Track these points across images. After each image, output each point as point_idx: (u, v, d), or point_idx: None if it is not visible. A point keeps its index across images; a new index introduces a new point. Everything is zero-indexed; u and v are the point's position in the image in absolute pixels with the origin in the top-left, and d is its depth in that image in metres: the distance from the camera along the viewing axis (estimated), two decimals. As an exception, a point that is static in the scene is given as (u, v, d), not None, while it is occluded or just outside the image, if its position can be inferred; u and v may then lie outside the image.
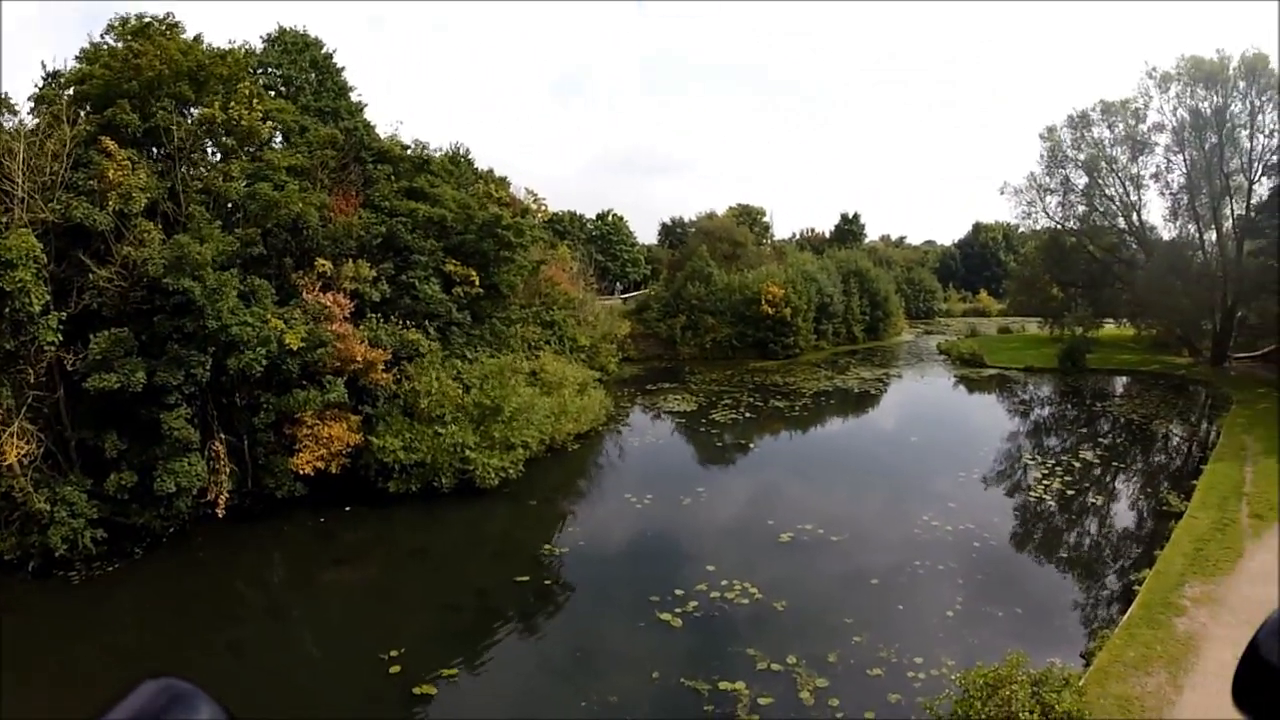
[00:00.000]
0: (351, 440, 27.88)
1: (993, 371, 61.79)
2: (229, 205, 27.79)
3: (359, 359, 27.54)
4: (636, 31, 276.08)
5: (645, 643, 18.16)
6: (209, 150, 29.75)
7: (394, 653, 17.39)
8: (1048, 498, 28.99)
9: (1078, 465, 33.31)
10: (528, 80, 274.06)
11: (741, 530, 26.13)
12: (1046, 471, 31.98)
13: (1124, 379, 57.89)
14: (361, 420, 28.72)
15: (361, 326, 28.90)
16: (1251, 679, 1.31)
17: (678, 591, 20.42)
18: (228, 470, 26.05)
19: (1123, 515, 28.74)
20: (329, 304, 27.51)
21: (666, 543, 25.45)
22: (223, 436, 26.38)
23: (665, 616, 19.16)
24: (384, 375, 28.72)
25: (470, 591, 21.75)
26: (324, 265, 28.59)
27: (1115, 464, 34.66)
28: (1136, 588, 19.79)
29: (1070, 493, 29.83)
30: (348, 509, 27.47)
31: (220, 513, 25.43)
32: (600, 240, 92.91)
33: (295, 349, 25.79)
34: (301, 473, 26.89)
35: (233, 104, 27.71)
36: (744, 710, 15.07)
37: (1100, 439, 39.30)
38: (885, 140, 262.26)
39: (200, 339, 24.36)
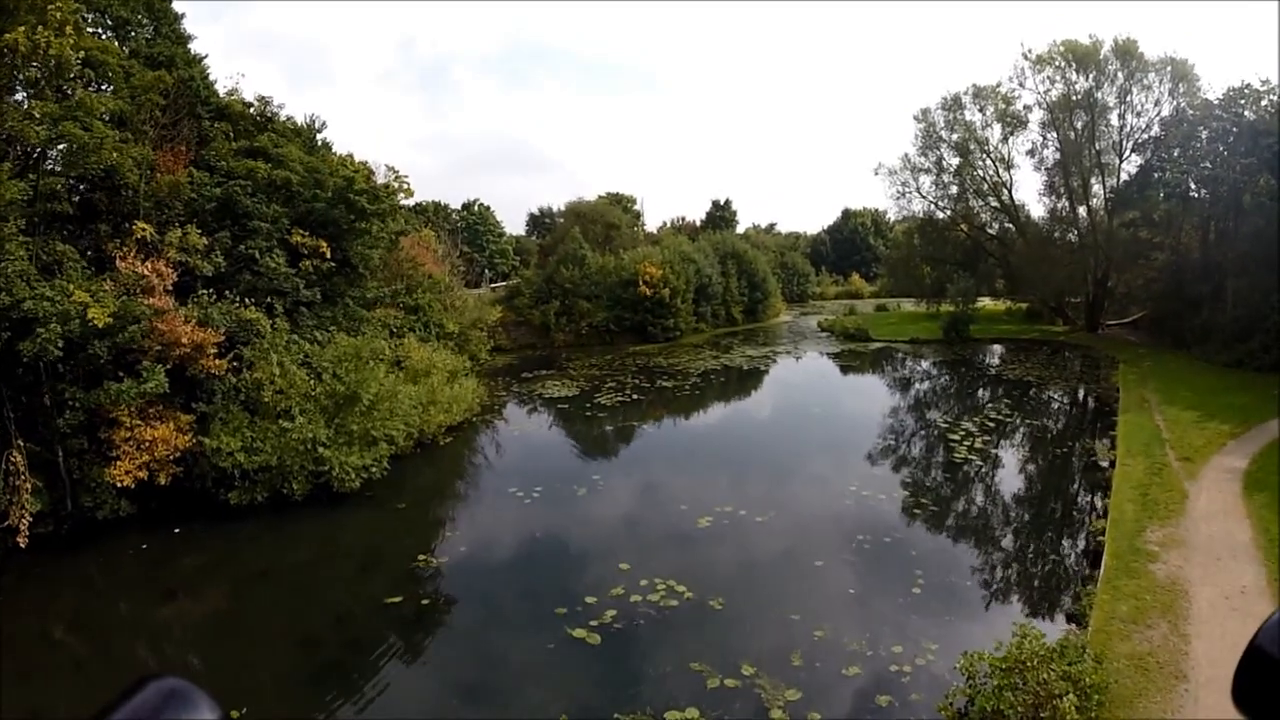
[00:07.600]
0: (180, 443, 22.85)
1: (880, 345, 61.08)
2: (28, 151, 22.44)
3: (184, 341, 22.69)
4: (494, 22, 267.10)
5: (558, 668, 14.42)
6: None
7: (234, 715, 13.05)
8: (973, 457, 27.29)
9: (991, 424, 32.15)
10: (387, 71, 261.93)
11: (651, 520, 22.75)
12: (965, 433, 30.31)
13: (1007, 347, 58.37)
14: (194, 420, 23.83)
15: (190, 304, 24.05)
16: (1252, 679, 1.23)
17: (589, 600, 16.72)
18: (29, 486, 20.56)
19: (1054, 469, 27.35)
20: (146, 273, 22.57)
21: (566, 542, 21.67)
22: (22, 445, 20.98)
23: (579, 632, 15.38)
24: (216, 362, 23.91)
25: (330, 619, 17.33)
26: (144, 229, 23.56)
27: (1028, 420, 33.88)
28: (1100, 539, 18.29)
29: (995, 451, 28.42)
30: (176, 530, 22.40)
31: (22, 541, 19.97)
32: (466, 231, 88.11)
33: (102, 326, 20.83)
34: (121, 485, 21.73)
35: (40, 30, 22.43)
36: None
37: (1004, 399, 38.26)
38: (753, 134, 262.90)
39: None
